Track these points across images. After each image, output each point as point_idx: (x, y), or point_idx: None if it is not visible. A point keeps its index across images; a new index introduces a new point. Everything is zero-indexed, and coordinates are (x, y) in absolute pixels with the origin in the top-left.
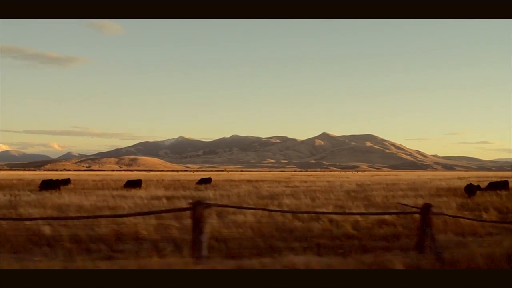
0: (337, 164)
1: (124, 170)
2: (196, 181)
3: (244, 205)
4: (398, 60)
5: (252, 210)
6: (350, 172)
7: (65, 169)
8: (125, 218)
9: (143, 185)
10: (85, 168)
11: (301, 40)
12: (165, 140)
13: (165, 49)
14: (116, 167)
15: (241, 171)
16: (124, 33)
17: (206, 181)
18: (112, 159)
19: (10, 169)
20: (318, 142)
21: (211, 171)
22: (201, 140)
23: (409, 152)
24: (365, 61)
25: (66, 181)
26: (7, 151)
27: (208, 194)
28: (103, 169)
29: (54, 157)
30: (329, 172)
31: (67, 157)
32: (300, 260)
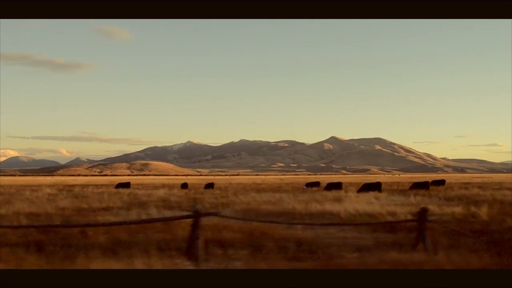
0: (347, 167)
1: (137, 175)
2: (411, 185)
3: None
4: (405, 63)
5: None
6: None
7: (79, 174)
8: None
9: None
10: (98, 174)
11: (308, 43)
12: (173, 145)
13: (171, 54)
14: (128, 172)
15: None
16: (132, 39)
17: (423, 185)
18: (124, 164)
19: (24, 175)
20: (327, 145)
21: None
22: (209, 144)
23: (419, 155)
24: (373, 64)
25: (339, 184)
26: (16, 157)
27: None
28: (116, 174)
29: (63, 162)
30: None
31: (77, 162)
32: None
